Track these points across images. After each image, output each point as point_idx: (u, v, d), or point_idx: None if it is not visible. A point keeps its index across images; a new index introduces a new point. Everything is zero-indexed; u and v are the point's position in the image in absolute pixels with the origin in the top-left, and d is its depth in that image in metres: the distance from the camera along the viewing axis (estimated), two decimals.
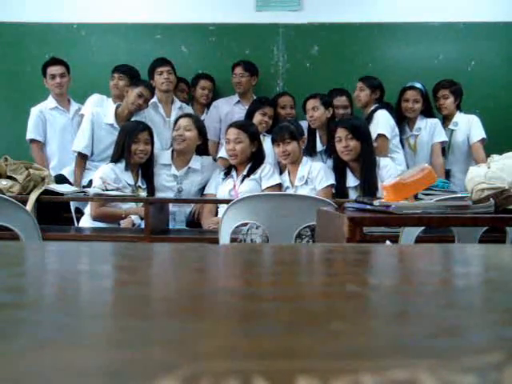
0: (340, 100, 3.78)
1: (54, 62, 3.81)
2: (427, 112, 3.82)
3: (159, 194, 3.24)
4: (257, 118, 3.59)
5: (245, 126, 3.24)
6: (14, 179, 2.80)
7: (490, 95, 4.22)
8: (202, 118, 4.04)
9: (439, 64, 4.35)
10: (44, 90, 3.91)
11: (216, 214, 3.16)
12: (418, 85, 3.78)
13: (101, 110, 3.59)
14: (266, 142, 3.41)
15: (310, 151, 3.53)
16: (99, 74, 3.90)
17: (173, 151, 3.31)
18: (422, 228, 2.34)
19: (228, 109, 4.05)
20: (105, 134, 3.52)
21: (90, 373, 0.23)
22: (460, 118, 3.86)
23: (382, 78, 3.81)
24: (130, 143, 3.06)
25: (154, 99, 3.80)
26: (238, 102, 4.07)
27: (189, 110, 3.93)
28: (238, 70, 4.02)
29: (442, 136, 3.78)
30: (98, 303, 0.38)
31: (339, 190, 3.09)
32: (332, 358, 0.25)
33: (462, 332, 0.31)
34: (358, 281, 0.49)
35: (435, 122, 3.79)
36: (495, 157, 2.06)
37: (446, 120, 3.89)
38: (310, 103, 3.57)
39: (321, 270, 0.57)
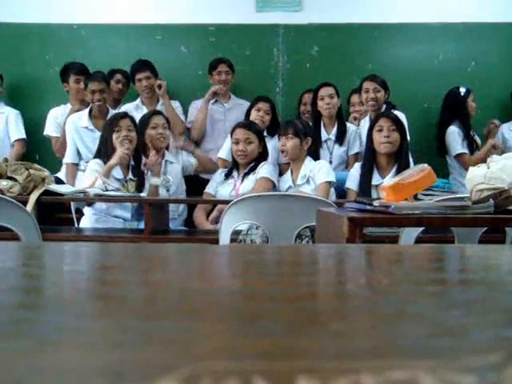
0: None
1: None
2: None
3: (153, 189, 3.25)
4: (252, 114, 3.60)
5: (252, 125, 3.25)
6: (15, 180, 2.80)
7: (491, 96, 4.22)
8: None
9: (439, 64, 4.35)
10: (44, 90, 3.93)
11: (208, 216, 3.17)
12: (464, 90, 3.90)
13: (76, 117, 3.62)
14: (268, 144, 3.41)
15: (316, 141, 3.59)
16: None
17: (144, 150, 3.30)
18: (422, 228, 2.34)
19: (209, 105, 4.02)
20: (84, 137, 3.58)
21: (90, 373, 0.23)
22: None
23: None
24: (111, 133, 3.04)
25: (137, 102, 3.83)
26: (216, 101, 4.04)
27: (175, 105, 3.93)
28: (223, 67, 3.97)
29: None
30: (98, 303, 0.38)
31: (363, 186, 3.01)
32: (332, 358, 0.25)
33: (462, 332, 0.31)
34: (358, 281, 0.49)
35: None
36: (495, 157, 2.06)
37: None
38: (327, 90, 3.62)
39: (321, 270, 0.57)
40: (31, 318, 0.32)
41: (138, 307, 0.36)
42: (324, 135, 3.67)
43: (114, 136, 3.03)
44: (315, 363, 0.25)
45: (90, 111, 3.59)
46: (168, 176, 3.31)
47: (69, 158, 3.62)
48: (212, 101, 4.02)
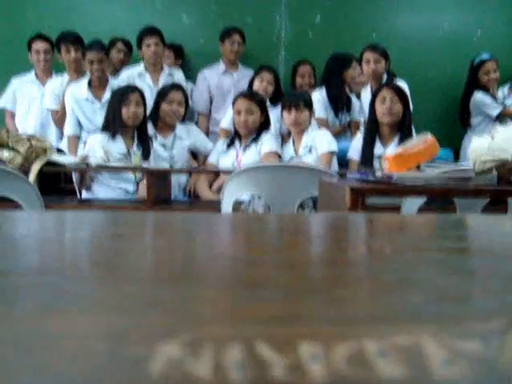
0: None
1: (40, 37, 3.84)
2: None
3: (157, 160, 3.25)
4: (255, 84, 3.57)
5: (254, 95, 3.22)
6: (16, 151, 2.80)
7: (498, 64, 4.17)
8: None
9: (444, 33, 4.29)
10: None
11: (211, 186, 3.17)
12: (488, 55, 3.83)
13: (74, 88, 3.58)
14: (271, 114, 3.39)
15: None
16: None
17: (155, 120, 3.28)
18: (424, 199, 2.34)
19: (216, 79, 3.99)
20: (85, 108, 3.55)
21: (90, 337, 0.23)
22: None
23: (386, 47, 3.76)
24: (120, 106, 3.02)
25: (141, 69, 3.78)
26: (225, 70, 4.00)
27: (179, 74, 3.89)
28: (237, 37, 3.93)
29: None
30: (100, 270, 0.38)
31: (365, 157, 3.01)
32: (334, 323, 0.25)
33: (465, 298, 0.31)
34: (360, 249, 0.49)
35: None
36: (499, 128, 2.05)
37: None
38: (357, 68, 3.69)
39: (323, 237, 0.57)
40: (32, 283, 0.33)
41: (140, 274, 0.36)
42: None
43: (124, 110, 3.02)
44: (317, 328, 0.25)
45: (90, 82, 3.56)
46: (173, 150, 3.29)
47: (70, 129, 3.60)
48: (221, 71, 4.00)
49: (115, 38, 3.97)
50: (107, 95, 3.49)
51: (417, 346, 0.22)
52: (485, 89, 3.85)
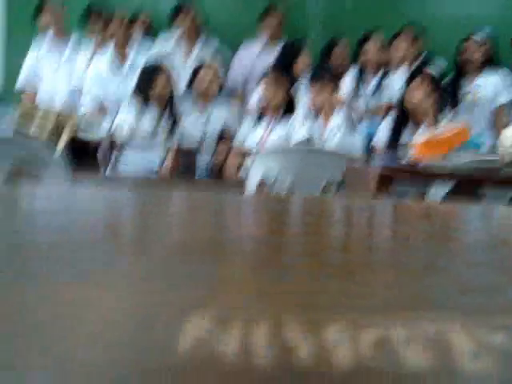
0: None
1: None
2: (491, 61, 3.43)
3: (186, 138, 3.29)
4: (302, 61, 3.58)
5: (281, 73, 3.23)
6: (43, 127, 2.84)
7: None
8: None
9: (484, 13, 4.17)
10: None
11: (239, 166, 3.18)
12: (479, 33, 3.56)
13: (97, 61, 3.62)
14: (301, 89, 3.39)
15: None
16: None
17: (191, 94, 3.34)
18: (449, 189, 2.31)
19: (255, 55, 4.01)
20: (106, 82, 3.60)
21: (121, 311, 0.24)
22: None
23: (424, 25, 3.64)
24: (148, 89, 3.08)
25: (178, 36, 3.83)
26: (265, 47, 4.02)
27: (215, 43, 3.92)
28: (280, 10, 3.96)
29: (505, 96, 3.41)
30: (131, 246, 0.39)
31: (392, 143, 2.98)
32: (359, 310, 0.25)
33: (490, 289, 0.30)
34: (385, 235, 0.48)
35: (496, 79, 3.47)
36: None
37: None
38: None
39: (348, 222, 0.57)
40: (68, 257, 0.33)
41: (169, 251, 0.37)
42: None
43: (151, 92, 3.08)
44: (343, 315, 0.25)
45: (115, 45, 3.61)
46: (207, 126, 3.35)
47: (89, 105, 3.63)
48: (260, 47, 4.00)
49: (138, 12, 3.98)
50: (131, 56, 3.57)
51: (443, 336, 0.22)
52: (462, 70, 3.53)
